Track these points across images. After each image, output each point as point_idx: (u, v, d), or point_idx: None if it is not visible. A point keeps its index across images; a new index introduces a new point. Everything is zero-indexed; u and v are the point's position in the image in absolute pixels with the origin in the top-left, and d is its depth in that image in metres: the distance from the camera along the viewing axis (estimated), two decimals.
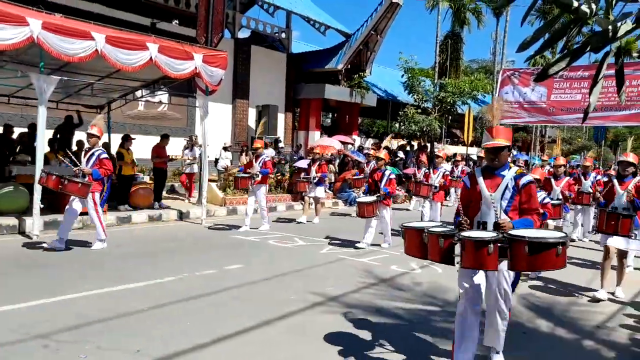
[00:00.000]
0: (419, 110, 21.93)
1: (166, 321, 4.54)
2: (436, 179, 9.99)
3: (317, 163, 11.58)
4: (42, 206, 8.14)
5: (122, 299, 5.14)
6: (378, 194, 8.31)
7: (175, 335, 4.20)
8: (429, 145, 22.80)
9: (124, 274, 6.08)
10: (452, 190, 16.07)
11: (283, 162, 16.13)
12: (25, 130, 11.20)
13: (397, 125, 28.51)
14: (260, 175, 9.76)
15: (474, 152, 27.90)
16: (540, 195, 6.62)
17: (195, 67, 9.40)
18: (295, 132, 20.89)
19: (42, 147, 8.29)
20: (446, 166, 10.68)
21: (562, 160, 9.53)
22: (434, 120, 21.77)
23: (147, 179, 12.44)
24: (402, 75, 22.38)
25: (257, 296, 5.49)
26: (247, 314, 4.81)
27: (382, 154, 8.99)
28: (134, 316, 4.64)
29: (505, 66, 23.54)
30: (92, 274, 6.07)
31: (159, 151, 11.69)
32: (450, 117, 23.45)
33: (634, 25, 1.44)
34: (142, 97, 12.77)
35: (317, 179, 11.45)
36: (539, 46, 1.58)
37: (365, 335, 4.44)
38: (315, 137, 19.84)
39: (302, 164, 13.75)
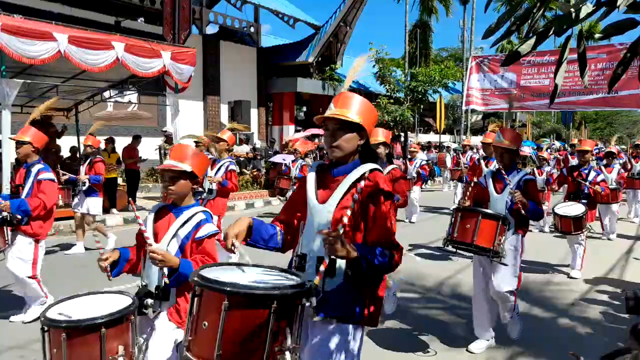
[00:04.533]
0: (392, 101, 22.08)
1: None
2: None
3: (88, 160, 7.28)
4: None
5: None
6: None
7: None
8: (402, 135, 22.99)
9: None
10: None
11: (259, 157, 16.04)
12: None
13: None
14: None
15: (446, 139, 28.24)
16: None
17: (164, 65, 9.22)
18: (269, 127, 20.79)
19: (8, 154, 8.04)
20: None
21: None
22: (406, 110, 21.95)
23: (120, 180, 12.21)
24: (374, 66, 22.47)
25: None
26: None
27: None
28: None
29: (474, 53, 23.82)
30: (68, 282, 5.95)
31: (130, 152, 11.48)
32: (422, 106, 23.68)
33: (594, 7, 1.47)
34: (110, 97, 12.51)
35: (86, 184, 6.87)
36: (504, 30, 1.60)
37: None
38: (290, 131, 19.78)
39: (278, 159, 13.61)
